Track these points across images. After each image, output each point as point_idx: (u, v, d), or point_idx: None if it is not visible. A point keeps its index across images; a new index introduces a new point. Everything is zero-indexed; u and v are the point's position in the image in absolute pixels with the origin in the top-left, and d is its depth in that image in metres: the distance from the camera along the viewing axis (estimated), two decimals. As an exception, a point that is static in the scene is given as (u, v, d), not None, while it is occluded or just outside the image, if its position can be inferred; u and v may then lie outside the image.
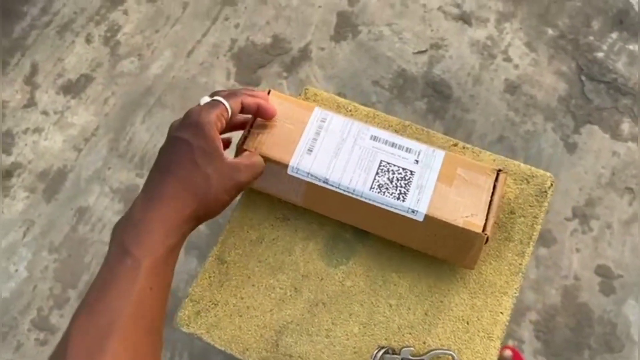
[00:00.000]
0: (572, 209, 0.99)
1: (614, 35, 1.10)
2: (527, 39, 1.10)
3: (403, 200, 0.43)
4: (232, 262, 0.46)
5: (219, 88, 1.06)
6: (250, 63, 1.08)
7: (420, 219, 0.43)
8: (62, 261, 0.95)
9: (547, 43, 1.10)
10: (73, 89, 1.06)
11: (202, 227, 0.98)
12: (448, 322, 0.43)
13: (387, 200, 0.43)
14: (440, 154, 0.45)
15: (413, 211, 0.42)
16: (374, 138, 0.44)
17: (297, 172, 0.43)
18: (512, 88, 1.07)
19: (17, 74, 1.07)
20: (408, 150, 0.45)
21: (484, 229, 0.41)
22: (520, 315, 0.93)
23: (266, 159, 0.43)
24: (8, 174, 1.00)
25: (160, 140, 1.02)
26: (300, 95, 0.53)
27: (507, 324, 0.40)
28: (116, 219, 0.98)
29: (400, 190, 0.43)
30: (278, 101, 0.46)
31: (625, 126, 1.04)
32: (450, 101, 1.06)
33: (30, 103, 1.05)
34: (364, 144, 0.44)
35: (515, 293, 0.42)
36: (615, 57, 1.09)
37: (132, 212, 0.39)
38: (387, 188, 0.43)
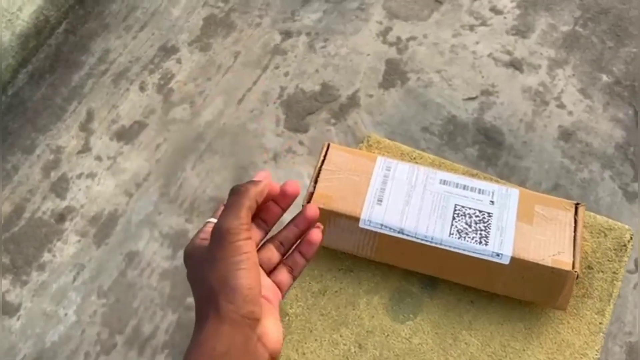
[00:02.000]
0: (635, 261, 0.94)
1: (673, 81, 1.07)
2: (580, 86, 1.08)
3: (486, 244, 0.41)
4: (294, 315, 0.44)
5: (269, 135, 1.07)
6: (299, 110, 1.09)
7: (506, 262, 0.41)
8: (110, 306, 0.95)
9: (602, 89, 1.07)
10: (126, 135, 1.08)
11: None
12: (523, 385, 0.41)
13: (469, 246, 0.41)
14: (514, 192, 0.43)
15: (498, 254, 0.41)
16: (444, 182, 0.43)
17: (369, 225, 0.42)
18: (566, 135, 1.04)
19: (74, 121, 1.10)
20: (481, 191, 0.43)
21: (573, 266, 0.39)
22: (582, 373, 0.88)
23: (336, 215, 0.42)
24: (61, 218, 1.02)
25: (210, 186, 1.03)
26: (362, 142, 0.52)
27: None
28: (165, 264, 0.98)
29: (481, 234, 0.41)
30: (338, 153, 0.45)
31: (689, 175, 0.99)
32: (503, 148, 1.03)
33: (85, 149, 1.08)
34: (434, 189, 0.43)
35: (596, 355, 0.39)
36: (674, 104, 1.05)
37: None
38: (466, 233, 0.41)
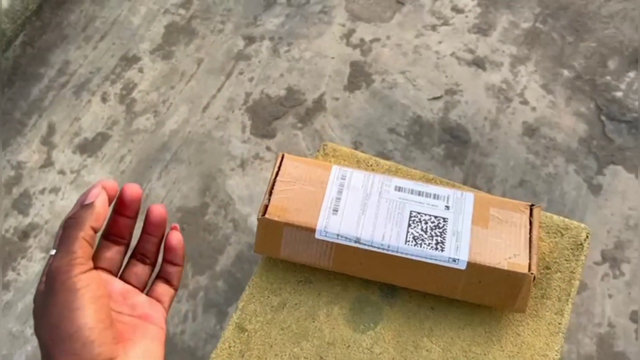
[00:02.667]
0: (601, 253, 0.96)
1: (632, 74, 1.09)
2: (543, 81, 1.09)
3: (442, 250, 0.41)
4: (252, 331, 0.43)
5: (235, 142, 1.06)
6: (265, 115, 1.08)
7: (463, 267, 0.41)
8: (78, 323, 0.93)
9: (564, 84, 1.09)
10: (89, 147, 1.06)
11: (219, 282, 0.96)
12: (486, 389, 0.40)
13: (425, 252, 0.41)
14: (469, 197, 0.43)
15: (454, 260, 0.41)
16: (399, 189, 0.43)
17: (326, 235, 0.41)
18: (530, 131, 1.05)
19: (34, 135, 1.08)
20: (436, 196, 0.43)
21: (529, 269, 0.39)
22: (554, 367, 0.89)
23: (291, 226, 0.41)
24: (25, 235, 1.00)
25: (177, 196, 1.02)
26: (318, 151, 0.52)
27: (550, 389, 0.37)
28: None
29: (436, 240, 0.41)
30: (293, 164, 0.45)
31: (650, 165, 1.01)
32: (469, 146, 1.04)
33: (47, 163, 1.06)
34: (389, 196, 0.43)
35: (556, 355, 0.39)
36: (634, 96, 1.07)
37: None
38: (422, 239, 0.41)
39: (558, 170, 1.02)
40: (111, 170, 1.04)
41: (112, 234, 0.41)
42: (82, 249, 0.35)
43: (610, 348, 0.89)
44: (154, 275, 0.42)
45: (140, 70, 1.13)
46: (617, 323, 0.91)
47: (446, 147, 1.04)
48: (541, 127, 1.05)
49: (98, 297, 0.34)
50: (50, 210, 1.02)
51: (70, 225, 0.36)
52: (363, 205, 0.40)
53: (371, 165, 0.48)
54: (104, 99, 1.11)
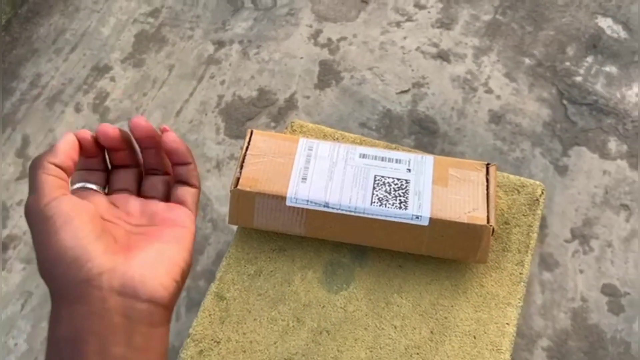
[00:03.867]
0: (571, 231, 0.99)
1: (590, 59, 1.13)
2: (505, 70, 1.13)
3: (405, 209, 0.43)
4: (231, 298, 0.45)
5: (210, 144, 1.08)
6: (239, 117, 1.10)
7: (426, 223, 0.43)
8: (62, 330, 0.93)
9: (526, 72, 1.13)
10: (65, 157, 1.07)
11: (201, 282, 0.97)
12: (455, 339, 0.43)
13: (390, 212, 0.43)
14: (429, 159, 0.46)
15: (417, 217, 0.43)
16: (363, 156, 0.45)
17: (296, 202, 0.43)
18: (496, 118, 1.08)
19: (9, 148, 1.08)
20: (398, 161, 0.46)
21: (488, 221, 0.41)
22: (532, 342, 0.91)
23: (263, 195, 0.43)
24: (4, 246, 1.00)
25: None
26: (286, 128, 0.54)
27: (515, 335, 0.40)
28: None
29: (400, 200, 0.44)
30: (262, 139, 0.47)
31: (612, 145, 1.05)
32: (438, 136, 1.07)
33: (23, 175, 1.06)
34: (355, 163, 0.45)
35: (519, 303, 0.41)
36: (593, 80, 1.11)
37: None
38: (387, 200, 0.43)
39: (525, 154, 1.05)
40: (88, 178, 1.05)
41: (115, 164, 0.42)
42: (44, 183, 0.35)
43: (584, 321, 0.92)
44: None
45: (112, 79, 1.15)
46: (589, 297, 0.94)
47: (416, 138, 1.07)
48: (506, 114, 1.09)
49: (72, 217, 0.34)
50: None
51: (30, 166, 0.38)
52: (330, 173, 0.42)
53: (337, 139, 0.50)
54: (77, 109, 1.12)
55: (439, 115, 1.09)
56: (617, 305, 0.93)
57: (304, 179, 0.43)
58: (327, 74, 1.14)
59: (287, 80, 1.13)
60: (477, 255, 0.41)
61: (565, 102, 1.10)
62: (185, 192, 0.40)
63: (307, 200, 0.42)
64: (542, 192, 0.47)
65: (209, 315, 0.43)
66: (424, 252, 0.43)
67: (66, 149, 0.38)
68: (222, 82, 1.14)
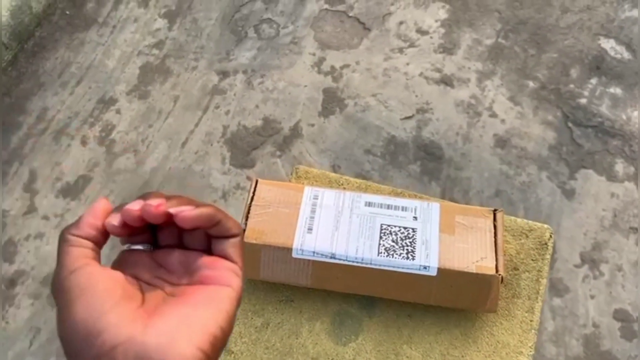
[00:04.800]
0: (580, 255, 0.98)
1: (594, 80, 1.13)
2: (509, 94, 1.13)
3: (413, 259, 0.43)
4: (239, 352, 0.45)
5: (215, 174, 1.08)
6: (244, 146, 1.10)
7: (434, 273, 0.42)
8: (71, 366, 0.93)
9: (530, 95, 1.13)
10: (72, 191, 1.08)
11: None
12: (466, 390, 0.42)
13: (397, 262, 0.43)
14: (435, 206, 0.45)
15: (425, 267, 0.42)
16: (369, 204, 0.45)
17: (302, 254, 0.43)
18: (501, 142, 1.08)
19: (16, 183, 1.09)
20: (404, 209, 0.45)
21: (497, 270, 0.41)
22: (545, 371, 0.90)
23: (269, 248, 0.43)
24: (12, 283, 1.00)
25: (161, 232, 1.03)
26: (292, 174, 0.54)
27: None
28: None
29: (407, 250, 0.43)
30: (267, 188, 0.47)
31: (619, 167, 1.05)
32: (443, 161, 1.07)
33: (31, 209, 1.06)
34: (360, 212, 0.45)
35: (530, 351, 0.41)
36: (598, 102, 1.11)
37: None
38: (394, 250, 0.43)
39: (532, 178, 1.05)
40: (95, 212, 1.05)
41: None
42: (66, 255, 0.35)
43: (596, 348, 0.91)
44: None
45: (118, 111, 1.15)
46: (601, 323, 0.93)
47: (422, 163, 1.07)
48: (511, 137, 1.08)
49: (86, 289, 0.33)
50: (35, 256, 1.02)
51: (58, 239, 0.38)
52: (336, 222, 0.42)
53: (342, 184, 0.50)
54: (83, 142, 1.12)
55: (444, 140, 1.09)
56: (629, 330, 0.92)
57: (310, 229, 0.43)
58: (331, 102, 1.14)
59: (292, 109, 1.14)
60: (487, 305, 0.41)
61: (570, 124, 1.09)
62: (226, 245, 0.38)
63: (314, 252, 0.42)
64: (551, 236, 0.47)
65: (217, 370, 0.43)
66: (432, 302, 0.42)
67: (91, 220, 0.38)
68: (227, 112, 1.14)
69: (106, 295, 0.33)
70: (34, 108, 1.16)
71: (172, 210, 0.35)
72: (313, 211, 0.44)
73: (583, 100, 1.11)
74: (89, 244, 0.36)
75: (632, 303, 0.94)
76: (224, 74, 1.18)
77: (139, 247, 0.38)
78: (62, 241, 0.37)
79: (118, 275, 0.36)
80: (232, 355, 0.45)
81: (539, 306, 0.41)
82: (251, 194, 0.44)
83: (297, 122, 1.12)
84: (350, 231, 0.43)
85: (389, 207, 0.44)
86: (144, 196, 0.37)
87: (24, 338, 0.96)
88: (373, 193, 0.48)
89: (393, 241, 0.43)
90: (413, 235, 0.43)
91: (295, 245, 0.42)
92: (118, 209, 0.37)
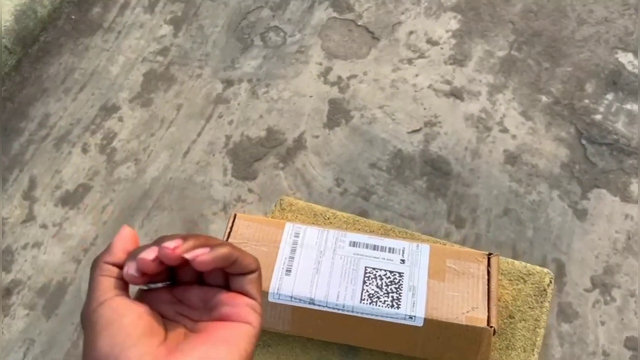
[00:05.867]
0: (591, 279, 0.94)
1: (610, 96, 1.09)
2: (521, 109, 1.09)
3: (398, 307, 0.40)
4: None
5: (216, 185, 1.06)
6: (246, 157, 1.08)
7: (420, 324, 0.40)
8: (63, 380, 0.92)
9: (543, 110, 1.09)
10: (71, 199, 1.06)
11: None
12: None
13: (381, 311, 0.40)
14: (425, 248, 0.43)
15: (410, 317, 0.40)
16: (353, 244, 0.42)
17: (279, 298, 0.40)
18: (512, 159, 1.05)
19: (16, 190, 1.08)
20: (391, 250, 0.43)
21: (488, 322, 0.38)
22: (550, 400, 0.87)
23: None
24: (8, 292, 0.99)
25: (160, 244, 1.01)
26: (275, 205, 0.51)
27: None
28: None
29: (392, 297, 0.40)
30: (246, 224, 0.44)
31: (634, 187, 1.00)
32: (451, 177, 1.04)
33: (29, 217, 1.05)
34: (344, 253, 0.42)
35: (524, 409, 0.38)
36: (613, 118, 1.07)
37: None
38: (378, 297, 0.40)
39: (542, 196, 1.01)
40: (93, 222, 1.04)
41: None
42: (98, 285, 0.36)
43: (606, 377, 0.87)
44: None
45: (120, 119, 1.14)
46: (611, 351, 0.89)
47: (428, 179, 1.04)
48: (522, 154, 1.05)
49: (112, 321, 0.34)
50: (32, 266, 1.01)
51: (91, 267, 0.38)
52: (317, 264, 0.39)
53: (328, 218, 0.47)
54: (84, 150, 1.11)
55: (452, 155, 1.06)
56: (641, 360, 0.88)
57: (289, 271, 0.41)
58: (337, 113, 1.11)
59: (296, 120, 1.11)
60: (477, 359, 0.38)
61: (584, 141, 1.05)
62: (244, 282, 0.38)
63: (291, 297, 0.39)
64: (550, 282, 0.44)
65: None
66: (418, 354, 0.39)
67: (121, 244, 0.38)
68: (230, 122, 1.12)
69: (131, 330, 0.33)
70: (36, 114, 1.15)
71: (187, 256, 0.34)
72: (293, 251, 0.42)
73: (598, 117, 1.07)
74: (120, 273, 0.36)
75: (644, 331, 0.90)
76: (228, 83, 1.16)
77: (159, 284, 0.37)
78: (96, 269, 0.37)
79: (144, 309, 0.36)
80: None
81: (535, 359, 0.38)
82: (228, 230, 0.41)
83: (301, 133, 1.10)
84: (332, 274, 0.40)
85: (375, 247, 0.41)
86: (158, 241, 0.37)
87: (18, 350, 0.94)
88: (361, 229, 0.45)
89: (377, 287, 0.40)
90: (400, 280, 0.40)
91: (272, 288, 0.40)
92: (133, 256, 0.36)
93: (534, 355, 0.39)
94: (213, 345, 0.34)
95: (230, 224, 0.42)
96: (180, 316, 0.38)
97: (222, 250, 0.35)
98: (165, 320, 0.38)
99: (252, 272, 0.38)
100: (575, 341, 0.90)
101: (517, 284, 0.43)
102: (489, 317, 0.37)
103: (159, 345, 0.34)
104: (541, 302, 0.42)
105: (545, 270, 0.44)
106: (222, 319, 0.37)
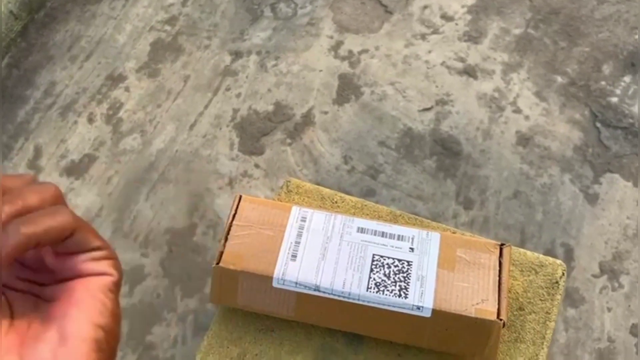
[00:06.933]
0: (599, 265, 0.93)
1: (627, 78, 1.06)
2: (536, 89, 1.07)
3: (405, 297, 0.39)
4: (213, 384, 0.42)
5: (223, 159, 1.05)
6: (254, 132, 1.07)
7: (428, 314, 0.39)
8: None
9: (557, 91, 1.06)
10: (76, 170, 1.05)
11: (209, 305, 0.94)
12: None
13: (388, 300, 0.39)
14: (435, 237, 0.41)
15: (418, 307, 0.39)
16: (361, 230, 0.41)
17: (283, 284, 0.39)
18: (524, 140, 1.03)
19: (21, 159, 1.07)
20: (400, 237, 0.41)
21: (498, 315, 0.37)
22: (553, 384, 0.86)
23: (247, 275, 0.39)
24: (12, 261, 0.99)
25: (165, 217, 1.00)
26: (282, 187, 0.50)
27: None
28: (122, 302, 0.95)
29: (400, 286, 0.39)
30: (251, 206, 0.43)
31: (648, 173, 0.98)
32: (461, 158, 1.02)
33: (34, 187, 1.04)
34: (351, 239, 0.41)
35: (531, 403, 0.37)
36: (630, 101, 1.04)
37: None
38: (385, 286, 0.39)
39: (553, 180, 0.99)
40: (98, 193, 1.03)
41: None
42: None
43: (610, 363, 0.87)
44: None
45: (127, 89, 1.12)
46: (616, 337, 0.88)
47: (438, 159, 1.02)
48: (535, 136, 1.03)
49: None
50: (37, 235, 1.00)
51: None
52: (323, 250, 0.38)
53: (336, 202, 0.46)
54: (90, 120, 1.09)
55: (463, 135, 1.04)
56: (646, 348, 0.87)
57: (294, 256, 0.40)
58: (347, 89, 1.09)
59: (305, 95, 1.09)
60: (485, 352, 0.37)
61: (598, 124, 1.03)
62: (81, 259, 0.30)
63: (296, 283, 0.39)
64: (563, 274, 0.42)
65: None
66: (424, 345, 0.39)
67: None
68: (238, 95, 1.10)
69: None
70: (42, 82, 1.13)
71: None
72: (299, 235, 0.41)
73: (614, 99, 1.04)
74: None
75: (651, 319, 0.89)
76: (237, 54, 1.14)
77: None
78: None
79: None
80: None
81: (545, 353, 0.37)
82: (233, 212, 0.40)
83: (310, 108, 1.08)
84: (339, 261, 0.39)
85: (383, 234, 0.40)
86: None
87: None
88: (369, 213, 0.44)
89: (385, 275, 0.39)
90: (408, 269, 0.39)
91: (276, 274, 0.39)
92: None
93: (543, 348, 0.38)
94: (64, 317, 0.29)
95: (235, 206, 0.41)
96: (23, 282, 0.31)
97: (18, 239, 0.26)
98: (9, 292, 0.30)
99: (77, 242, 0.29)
100: (580, 326, 0.90)
101: (529, 275, 0.42)
102: (499, 309, 0.36)
103: (7, 332, 0.29)
104: (553, 294, 0.41)
105: (558, 261, 0.43)
106: (74, 276, 0.30)
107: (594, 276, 0.92)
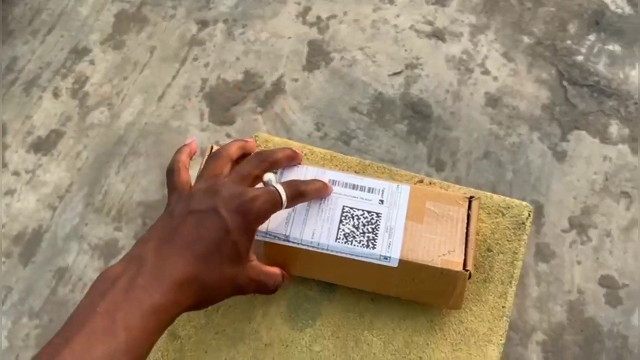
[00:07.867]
0: (569, 220, 0.95)
1: (592, 37, 1.08)
2: (503, 50, 1.07)
3: (373, 248, 0.39)
4: (186, 337, 0.42)
5: (192, 130, 1.04)
6: (223, 101, 1.06)
7: (395, 264, 0.39)
8: (43, 327, 0.91)
9: (525, 51, 1.07)
10: (43, 146, 1.03)
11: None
12: (431, 380, 0.39)
13: (356, 250, 0.39)
14: (405, 189, 0.42)
15: (385, 257, 0.39)
16: (332, 182, 0.41)
17: (254, 233, 0.40)
18: (493, 101, 1.04)
19: (-15, 136, 1.04)
20: (371, 190, 0.42)
21: (464, 266, 0.38)
22: (526, 336, 0.89)
23: None
24: (-18, 240, 0.97)
25: (136, 190, 0.99)
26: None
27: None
28: (96, 276, 0.95)
29: (368, 237, 0.40)
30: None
31: (614, 129, 1.00)
32: (431, 121, 1.03)
33: (1, 165, 1.02)
34: (322, 191, 0.41)
35: (500, 340, 0.38)
36: (595, 59, 1.06)
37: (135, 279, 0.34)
38: (354, 236, 0.40)
39: (522, 139, 1.01)
40: (67, 168, 1.01)
41: None
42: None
43: (580, 314, 0.89)
44: None
45: (92, 62, 1.10)
46: (586, 289, 0.91)
47: (409, 122, 1.02)
48: (503, 96, 1.04)
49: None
50: (6, 214, 0.99)
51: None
52: (294, 201, 0.39)
53: (305, 155, 0.46)
54: (55, 95, 1.07)
55: (433, 98, 1.04)
56: (615, 297, 0.90)
57: (265, 207, 0.40)
58: (316, 55, 1.09)
59: (274, 62, 1.08)
60: (450, 302, 0.38)
61: (565, 83, 1.04)
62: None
63: (266, 232, 0.39)
64: (529, 214, 0.43)
65: (162, 356, 0.40)
66: (392, 294, 0.39)
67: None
68: (206, 65, 1.09)
69: None
70: (2, 57, 1.10)
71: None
72: (270, 186, 0.41)
73: (580, 58, 1.06)
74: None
75: (618, 269, 0.91)
76: (203, 23, 1.12)
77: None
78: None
79: None
80: (179, 341, 0.42)
81: (513, 291, 0.38)
82: (204, 163, 0.40)
83: (279, 76, 1.07)
84: (309, 212, 0.40)
85: (354, 187, 0.40)
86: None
87: (-5, 297, 0.93)
88: (338, 164, 0.44)
89: (354, 226, 0.39)
90: (377, 220, 0.39)
91: None
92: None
93: (511, 287, 0.39)
94: None
95: (206, 158, 0.41)
96: None
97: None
98: None
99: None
100: (551, 280, 0.92)
101: (496, 217, 0.43)
102: (465, 261, 0.37)
103: None
104: (519, 235, 0.42)
105: (524, 203, 0.44)
106: None
107: (564, 231, 0.94)
